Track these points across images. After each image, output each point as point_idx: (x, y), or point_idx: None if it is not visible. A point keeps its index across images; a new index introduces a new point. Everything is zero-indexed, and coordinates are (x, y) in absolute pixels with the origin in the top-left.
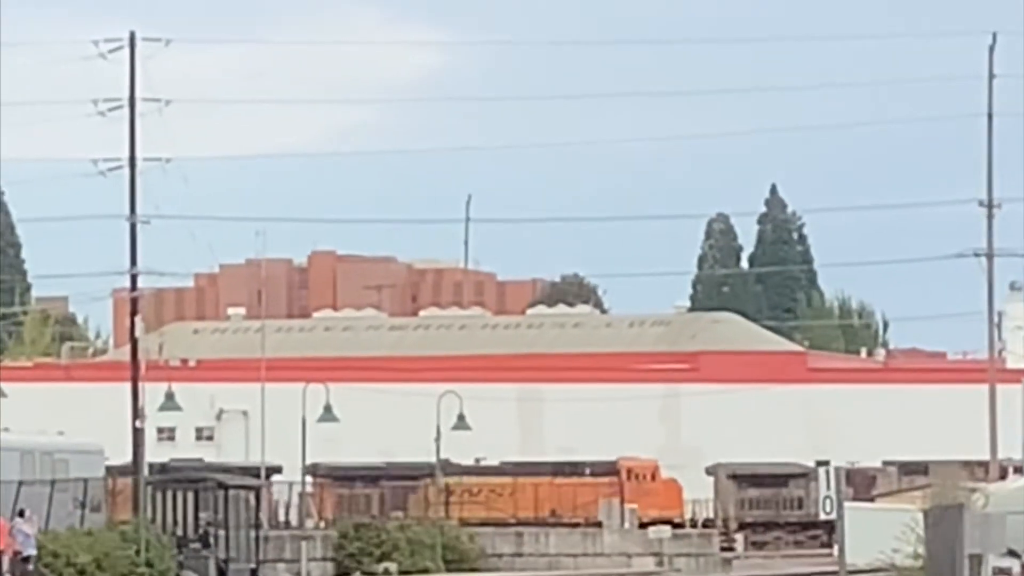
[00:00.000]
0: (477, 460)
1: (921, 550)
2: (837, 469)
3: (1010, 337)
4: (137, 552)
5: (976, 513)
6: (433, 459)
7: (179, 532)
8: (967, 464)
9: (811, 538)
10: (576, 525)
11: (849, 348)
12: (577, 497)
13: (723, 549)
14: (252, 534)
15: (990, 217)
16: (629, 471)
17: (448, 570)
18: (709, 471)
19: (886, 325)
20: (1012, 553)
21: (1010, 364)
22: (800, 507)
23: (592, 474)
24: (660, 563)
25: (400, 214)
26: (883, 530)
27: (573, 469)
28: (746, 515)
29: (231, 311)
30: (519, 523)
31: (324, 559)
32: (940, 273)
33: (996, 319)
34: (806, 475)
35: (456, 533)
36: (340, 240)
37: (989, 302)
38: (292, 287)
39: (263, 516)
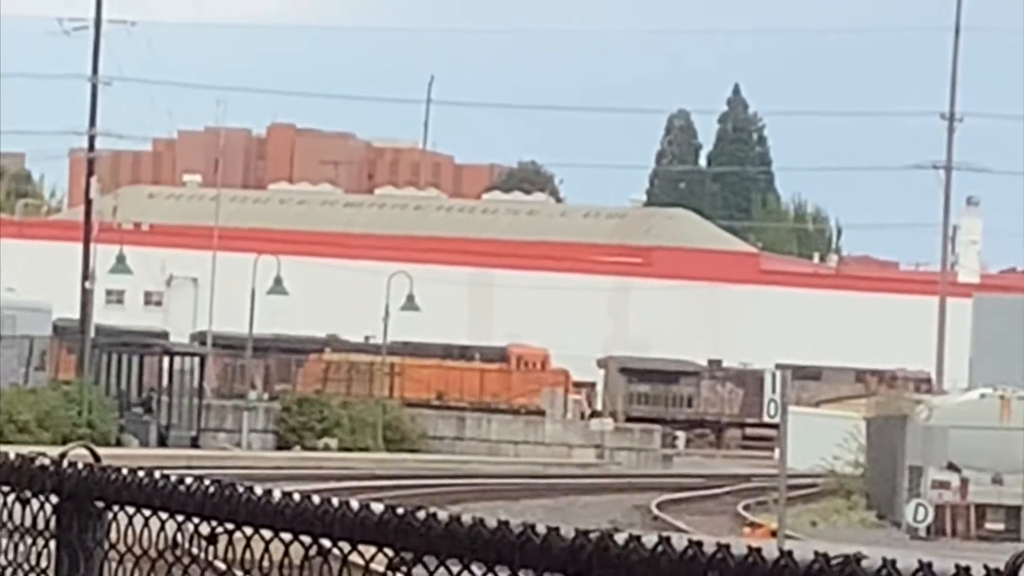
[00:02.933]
0: (366, 338)
1: (862, 459)
2: (783, 372)
3: (963, 251)
4: (79, 412)
5: (919, 425)
6: (323, 333)
7: (122, 396)
8: (861, 373)
9: (698, 436)
10: (517, 412)
11: (802, 252)
12: (464, 381)
13: (664, 445)
14: (194, 402)
15: (951, 130)
16: (519, 359)
17: (388, 449)
18: (600, 363)
19: (839, 231)
20: (952, 467)
21: (962, 278)
22: (690, 405)
23: (482, 359)
24: (601, 455)
25: (362, 91)
26: (825, 436)
27: (462, 353)
28: (633, 410)
29: (187, 178)
30: (463, 407)
31: (265, 431)
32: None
33: (951, 232)
34: (697, 373)
35: (398, 413)
36: (300, 113)
37: (945, 215)
38: (249, 157)
39: (207, 384)
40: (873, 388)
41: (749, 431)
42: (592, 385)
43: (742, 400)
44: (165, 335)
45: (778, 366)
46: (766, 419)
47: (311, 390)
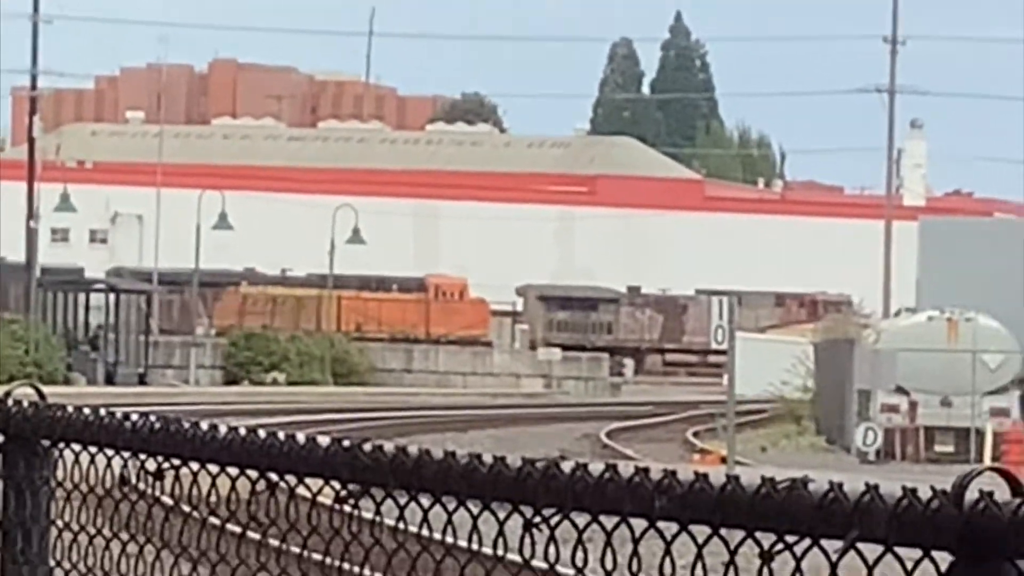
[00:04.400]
0: (283, 271)
1: (811, 383)
2: (729, 299)
3: (908, 175)
4: (26, 351)
5: (867, 349)
6: (242, 268)
7: (69, 334)
8: (781, 297)
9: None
10: (464, 343)
11: (747, 178)
12: (383, 313)
13: (612, 374)
14: (142, 339)
15: (893, 53)
16: (437, 288)
17: (336, 383)
18: (519, 291)
19: (784, 157)
20: (901, 390)
21: (907, 202)
22: (609, 332)
23: (400, 290)
24: (548, 385)
25: (303, 25)
26: (775, 362)
27: (380, 284)
28: (552, 337)
29: (130, 115)
30: (409, 340)
31: (213, 367)
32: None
33: (895, 156)
34: (616, 300)
35: (346, 347)
36: (242, 48)
37: (889, 139)
38: (192, 93)
39: (153, 322)
40: (794, 312)
41: (670, 357)
42: (513, 315)
43: (662, 326)
44: (80, 271)
45: (697, 291)
46: (684, 344)
47: (227, 324)
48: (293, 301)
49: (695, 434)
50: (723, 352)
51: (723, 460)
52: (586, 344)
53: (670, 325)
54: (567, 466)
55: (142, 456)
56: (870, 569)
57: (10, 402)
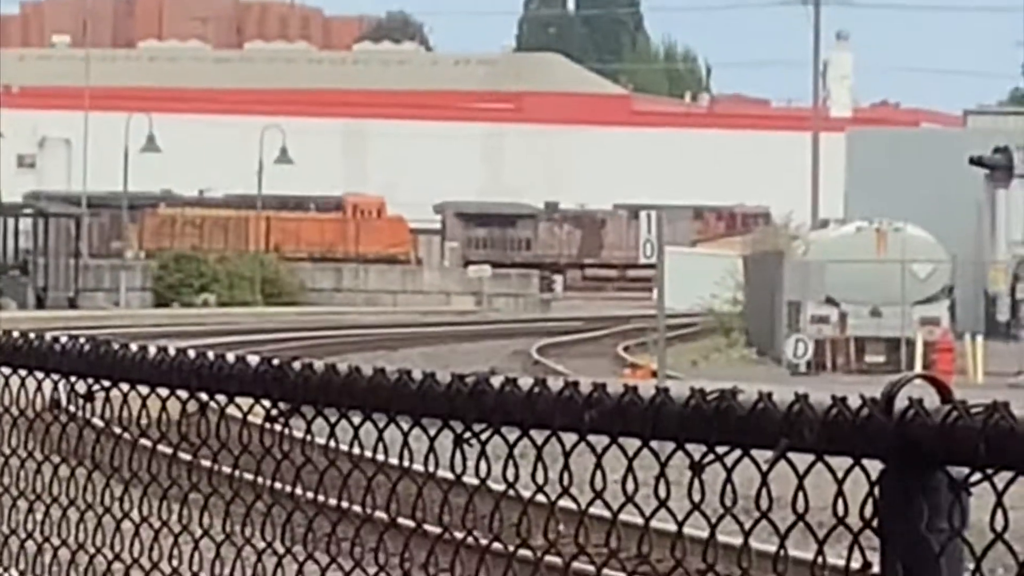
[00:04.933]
0: (201, 192)
1: (740, 296)
2: (658, 213)
3: (834, 87)
4: None
5: (796, 261)
6: (157, 189)
7: None
8: (699, 210)
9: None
10: (394, 261)
11: (673, 93)
12: (301, 232)
13: (542, 290)
14: (71, 263)
15: None
16: (355, 207)
17: (267, 304)
18: (437, 209)
19: (709, 70)
20: (831, 301)
21: (834, 113)
22: (528, 248)
23: (317, 209)
24: (479, 302)
25: None
26: (703, 275)
27: (298, 204)
28: (471, 254)
29: (56, 39)
30: (338, 259)
31: (143, 289)
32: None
33: (821, 68)
34: (534, 216)
35: (276, 267)
36: None
37: (815, 51)
38: (118, 17)
39: (82, 246)
40: (713, 225)
41: (589, 272)
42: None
43: (580, 241)
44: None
45: (616, 206)
46: (603, 259)
47: (149, 247)
48: (218, 222)
49: (626, 349)
50: (644, 267)
51: (654, 374)
52: (505, 261)
53: (589, 241)
54: (496, 381)
55: (72, 379)
56: (800, 478)
57: None
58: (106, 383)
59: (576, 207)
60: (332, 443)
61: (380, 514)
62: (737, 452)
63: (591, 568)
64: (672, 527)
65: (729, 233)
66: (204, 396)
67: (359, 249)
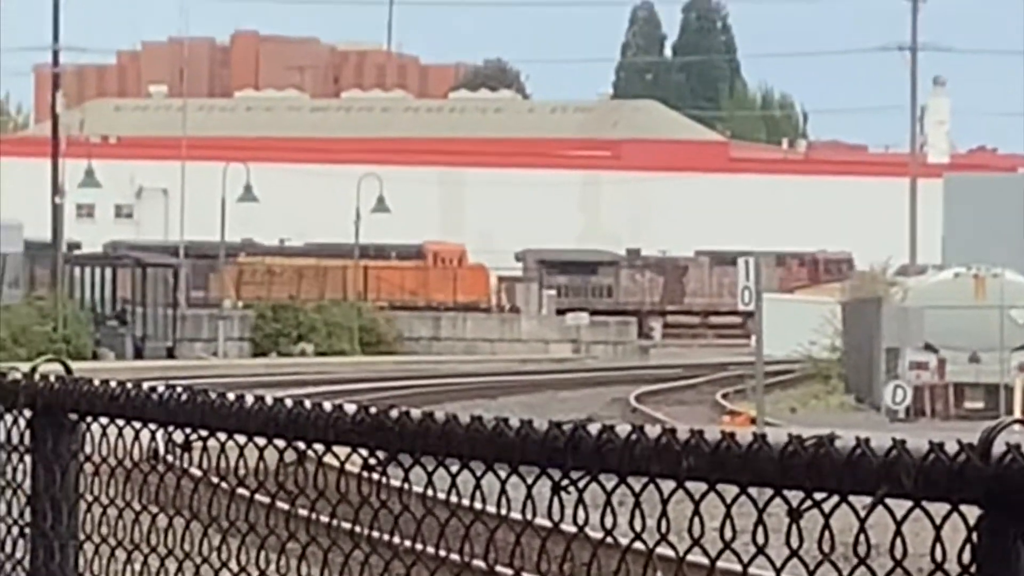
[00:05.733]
0: (281, 241)
1: (839, 343)
2: (756, 260)
3: (932, 132)
4: (54, 328)
5: (894, 307)
6: (224, 238)
7: (97, 309)
8: (782, 256)
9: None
10: (492, 310)
11: (770, 139)
12: (381, 280)
13: (640, 336)
14: (169, 312)
15: (915, 11)
16: (436, 255)
17: (365, 353)
18: (518, 256)
19: (807, 117)
20: (929, 347)
21: (931, 159)
22: (610, 295)
23: (399, 257)
24: (577, 350)
25: None
26: (801, 322)
27: (379, 252)
28: (553, 302)
29: (153, 89)
30: (435, 307)
31: (241, 339)
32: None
33: (919, 113)
34: (615, 263)
35: (373, 316)
36: (263, 20)
37: (912, 96)
38: (214, 66)
39: (181, 295)
40: (795, 271)
41: (671, 319)
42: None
43: (663, 288)
44: (78, 246)
45: (697, 253)
46: (685, 306)
47: (223, 296)
48: (292, 271)
49: (724, 396)
50: (725, 313)
51: (752, 421)
52: (586, 308)
53: (671, 287)
54: (594, 428)
55: (170, 428)
56: (898, 524)
57: (37, 377)
58: (204, 432)
59: (658, 253)
60: (430, 491)
61: (478, 563)
62: (835, 498)
63: None
64: (770, 574)
65: (813, 279)
66: (302, 445)
67: (440, 297)
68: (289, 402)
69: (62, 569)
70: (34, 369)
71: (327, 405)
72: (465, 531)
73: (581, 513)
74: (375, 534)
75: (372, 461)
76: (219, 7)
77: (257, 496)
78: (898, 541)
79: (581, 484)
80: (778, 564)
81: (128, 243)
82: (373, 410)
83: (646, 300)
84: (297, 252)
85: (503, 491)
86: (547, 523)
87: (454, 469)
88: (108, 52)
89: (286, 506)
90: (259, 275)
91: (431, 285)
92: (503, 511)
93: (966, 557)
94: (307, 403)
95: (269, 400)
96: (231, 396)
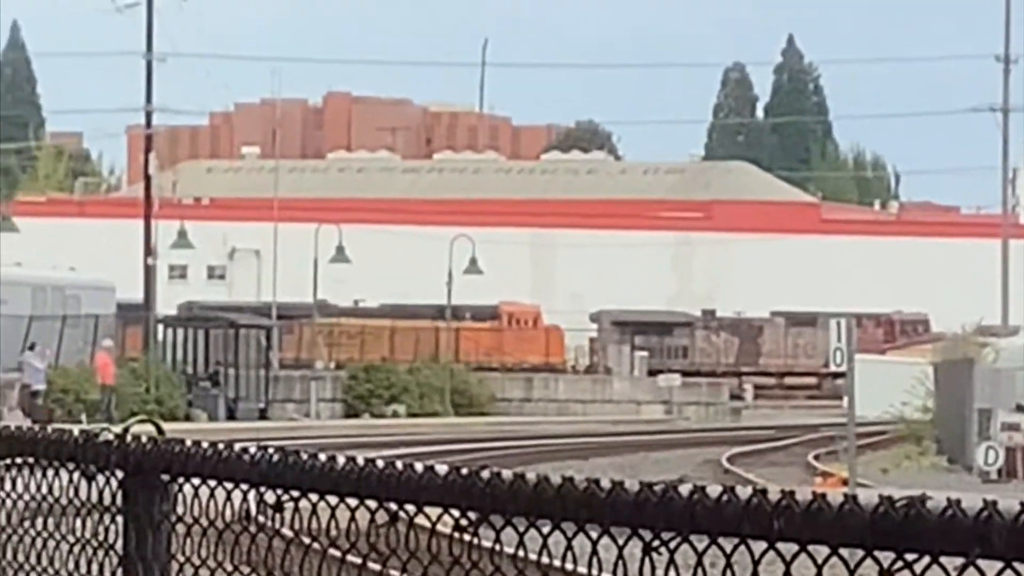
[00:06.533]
0: (356, 302)
1: (931, 404)
2: (848, 321)
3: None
4: (147, 389)
5: (986, 368)
6: (319, 299)
7: (189, 370)
8: (858, 317)
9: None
10: (581, 371)
11: (862, 200)
12: (458, 341)
13: (732, 398)
14: (262, 373)
15: (1007, 72)
16: (511, 316)
17: (457, 414)
18: (593, 318)
19: (899, 178)
20: (1021, 408)
21: (1023, 220)
22: (685, 356)
23: (473, 319)
24: (669, 411)
25: (417, 56)
26: (894, 383)
27: (454, 313)
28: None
29: (245, 150)
30: (540, 368)
31: (333, 400)
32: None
33: (1011, 175)
34: (691, 324)
35: (465, 377)
36: (355, 81)
37: (1004, 157)
38: (307, 127)
39: (273, 356)
40: (871, 332)
41: (746, 380)
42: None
43: (738, 349)
44: (144, 307)
45: (773, 313)
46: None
47: (291, 357)
48: (367, 332)
49: (816, 457)
50: (800, 374)
51: (845, 482)
52: (662, 369)
53: (745, 348)
54: (685, 489)
55: (261, 489)
56: None
57: (129, 438)
58: (295, 493)
59: (733, 314)
60: (521, 552)
61: None
62: (926, 559)
63: None
64: None
65: (889, 340)
66: (393, 506)
67: (515, 358)
68: (380, 463)
69: None
70: (126, 430)
71: (418, 466)
72: None
73: (672, 574)
74: None
75: (463, 522)
76: (312, 68)
77: (348, 557)
78: None
79: (672, 545)
80: None
81: (202, 303)
82: (464, 471)
83: (721, 361)
84: (371, 313)
85: (594, 552)
86: None
87: (545, 530)
88: (201, 114)
89: (378, 567)
90: (350, 336)
91: (505, 346)
92: (594, 572)
93: None
94: (398, 464)
95: (360, 461)
96: (322, 457)
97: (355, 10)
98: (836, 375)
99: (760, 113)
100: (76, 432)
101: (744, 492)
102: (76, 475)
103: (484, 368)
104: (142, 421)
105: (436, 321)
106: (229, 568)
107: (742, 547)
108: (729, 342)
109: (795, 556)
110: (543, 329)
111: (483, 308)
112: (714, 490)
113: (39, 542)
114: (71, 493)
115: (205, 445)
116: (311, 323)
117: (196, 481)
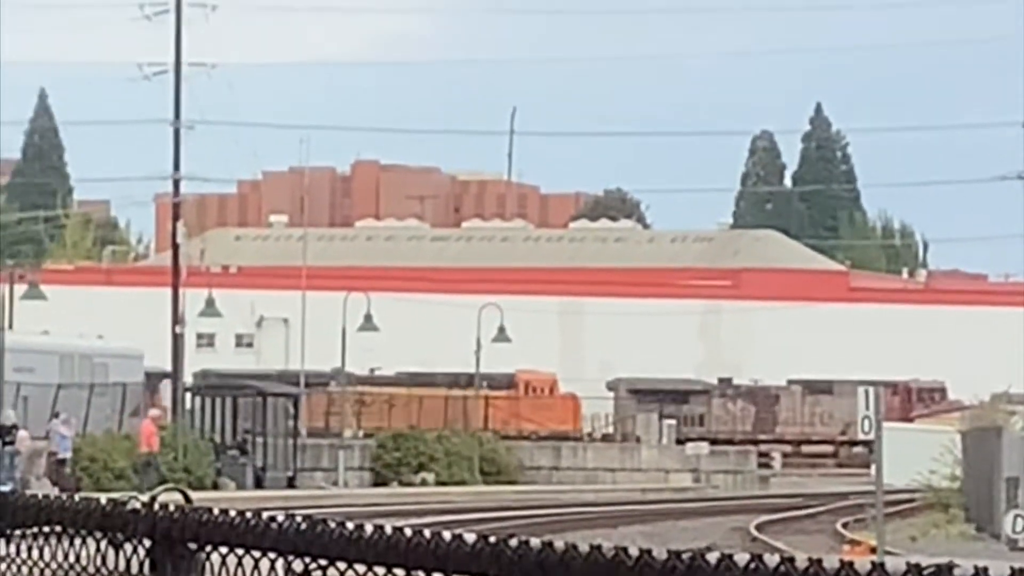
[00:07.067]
0: (372, 370)
1: (959, 472)
2: (876, 388)
3: None
4: (175, 458)
5: (1014, 436)
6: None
7: (217, 439)
8: (873, 384)
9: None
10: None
11: (890, 268)
12: (471, 410)
13: (760, 466)
14: (290, 442)
15: None
16: (527, 384)
17: (485, 482)
18: (610, 386)
19: (927, 246)
20: None
21: None
22: (701, 424)
23: (490, 387)
24: (697, 479)
25: (445, 125)
26: (921, 451)
27: (470, 381)
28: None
29: (273, 218)
30: (557, 437)
31: (361, 468)
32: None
33: None
34: (708, 392)
35: (494, 445)
36: (384, 149)
37: None
38: (335, 195)
39: (301, 425)
40: (887, 400)
41: (763, 448)
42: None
43: (755, 417)
44: (165, 375)
45: (790, 381)
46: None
47: (311, 426)
48: (383, 400)
49: (844, 525)
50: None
51: (873, 550)
52: (679, 437)
53: (763, 416)
54: (713, 557)
55: (289, 557)
56: None
57: (156, 506)
58: (323, 562)
59: (750, 382)
60: None
61: None
62: None
63: None
64: None
65: (905, 408)
66: (421, 574)
67: (531, 426)
68: (408, 531)
69: None
70: (154, 499)
71: (446, 534)
72: None
73: None
74: None
75: None
76: (340, 136)
77: None
78: None
79: None
80: None
81: (216, 372)
82: (492, 539)
83: (738, 429)
84: (388, 381)
85: None
86: None
87: None
88: (229, 182)
89: None
90: (378, 404)
91: (523, 414)
92: None
93: None
94: (426, 532)
95: (388, 529)
96: (350, 525)
97: (382, 78)
98: (853, 443)
99: (788, 181)
100: (104, 500)
101: (772, 559)
102: (104, 543)
103: (512, 436)
104: (170, 489)
105: (451, 389)
106: None
107: None
108: (746, 410)
109: None
110: (559, 397)
111: (500, 376)
112: (741, 558)
113: None
114: (98, 562)
115: (233, 513)
116: (340, 391)
117: (224, 549)
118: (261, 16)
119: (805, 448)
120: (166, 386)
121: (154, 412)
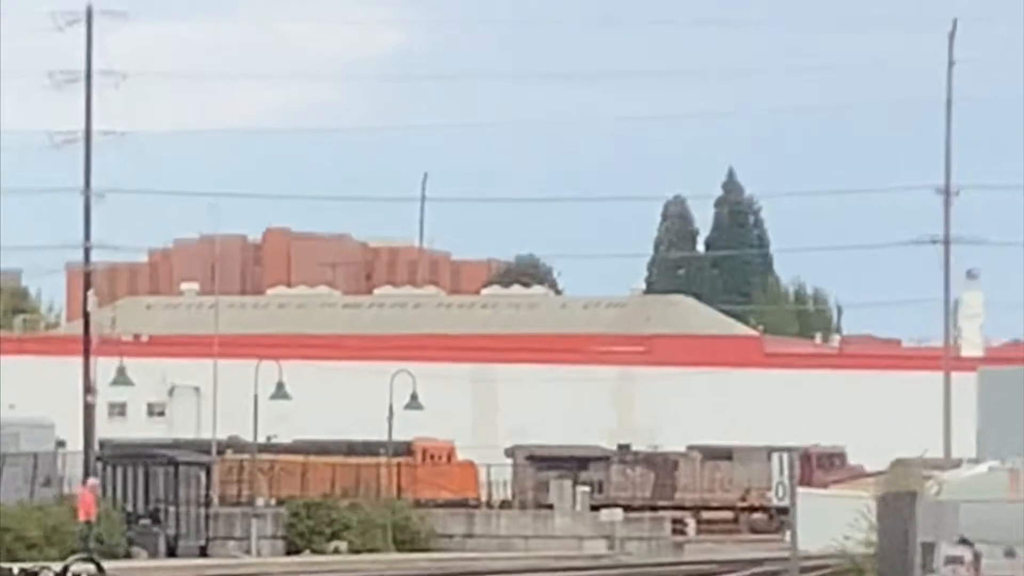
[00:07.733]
0: (268, 438)
1: (874, 537)
2: (790, 454)
3: (966, 325)
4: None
5: (929, 501)
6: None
7: (129, 508)
8: (772, 451)
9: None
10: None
11: (803, 333)
12: (368, 477)
13: (674, 532)
14: (202, 511)
15: (947, 204)
16: (424, 452)
17: (399, 550)
18: (508, 452)
19: (840, 311)
20: (964, 542)
21: (965, 352)
22: (600, 491)
23: (394, 454)
24: (612, 546)
25: (355, 192)
26: (835, 516)
27: (367, 449)
28: (543, 498)
29: (184, 287)
30: (472, 505)
31: (274, 537)
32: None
33: (952, 307)
34: (607, 459)
35: (407, 513)
36: (295, 217)
37: (945, 289)
38: (246, 263)
39: (213, 493)
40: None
41: (661, 514)
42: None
43: (653, 483)
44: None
45: (689, 447)
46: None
47: (223, 494)
48: (280, 468)
49: None
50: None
51: None
52: (593, 503)
53: (661, 482)
54: None
55: None
56: None
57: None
58: None
59: (648, 448)
60: None
61: None
62: None
63: None
64: None
65: (806, 474)
66: None
67: (428, 493)
68: None
69: None
70: (66, 568)
71: None
72: None
73: None
74: None
75: None
76: (250, 204)
77: None
78: None
79: None
80: None
81: (115, 441)
82: None
83: (637, 495)
84: (285, 449)
85: None
86: None
87: None
88: (140, 250)
89: None
90: (244, 473)
91: (420, 480)
92: None
93: None
94: None
95: None
96: None
97: (293, 145)
98: (754, 508)
99: (701, 246)
100: (16, 570)
101: None
102: None
103: (425, 504)
104: (82, 559)
105: (348, 457)
106: None
107: None
108: (645, 476)
109: None
110: (456, 465)
111: (398, 444)
112: None
113: None
114: None
115: None
116: (251, 459)
117: None
118: (171, 84)
119: (705, 514)
120: (71, 457)
121: (92, 481)
